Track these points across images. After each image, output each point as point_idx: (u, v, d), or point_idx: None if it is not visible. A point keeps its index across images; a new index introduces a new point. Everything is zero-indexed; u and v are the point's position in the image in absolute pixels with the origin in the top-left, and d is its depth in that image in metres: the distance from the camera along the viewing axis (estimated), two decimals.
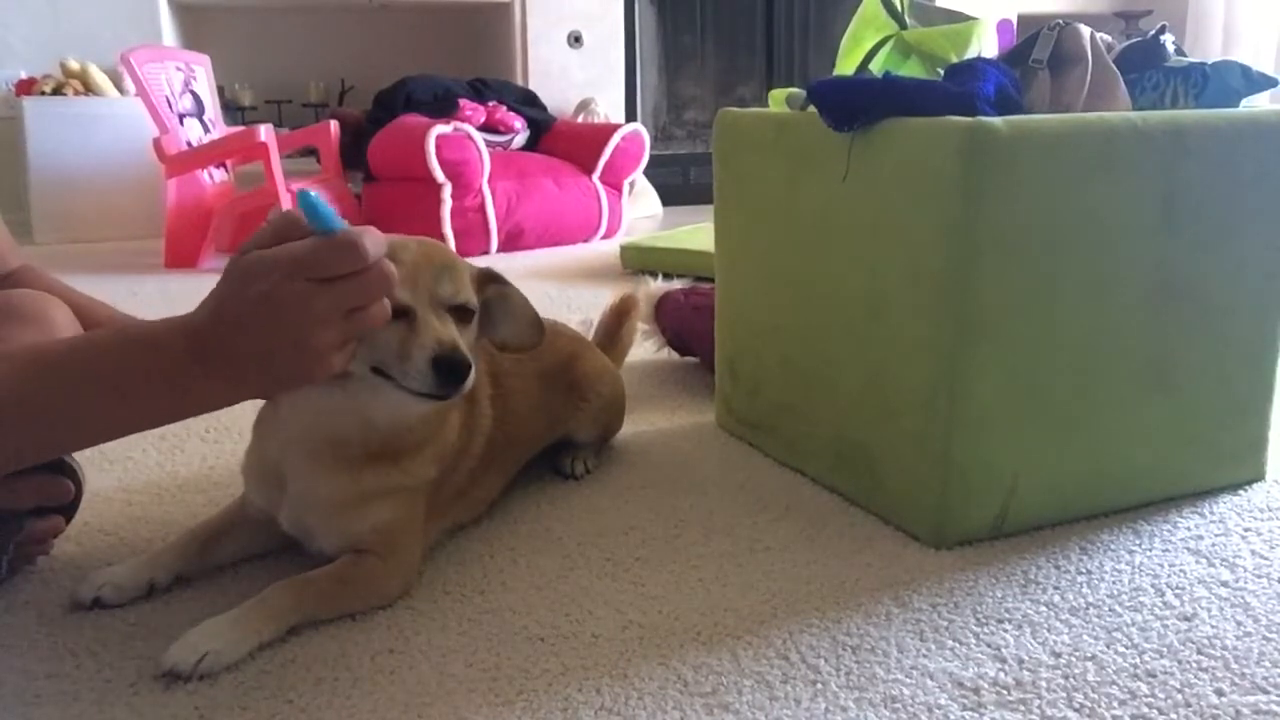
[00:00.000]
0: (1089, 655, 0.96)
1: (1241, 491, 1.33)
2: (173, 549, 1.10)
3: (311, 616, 1.01)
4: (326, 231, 0.84)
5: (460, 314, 0.99)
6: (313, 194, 0.84)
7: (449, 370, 0.94)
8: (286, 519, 1.08)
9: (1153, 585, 1.09)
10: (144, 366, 0.85)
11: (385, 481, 1.05)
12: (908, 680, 0.92)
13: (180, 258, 3.22)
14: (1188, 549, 1.18)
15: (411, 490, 1.08)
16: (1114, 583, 1.10)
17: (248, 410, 1.71)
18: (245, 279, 0.82)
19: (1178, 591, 1.08)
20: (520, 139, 3.92)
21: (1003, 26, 1.43)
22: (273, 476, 1.09)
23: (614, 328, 1.73)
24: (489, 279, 1.07)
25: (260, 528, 1.13)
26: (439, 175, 3.30)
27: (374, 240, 0.85)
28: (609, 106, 4.52)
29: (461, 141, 3.35)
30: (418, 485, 1.09)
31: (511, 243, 3.51)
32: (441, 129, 3.32)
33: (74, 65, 3.73)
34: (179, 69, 3.48)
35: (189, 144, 3.37)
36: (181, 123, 3.39)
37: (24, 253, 1.19)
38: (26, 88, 3.69)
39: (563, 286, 2.80)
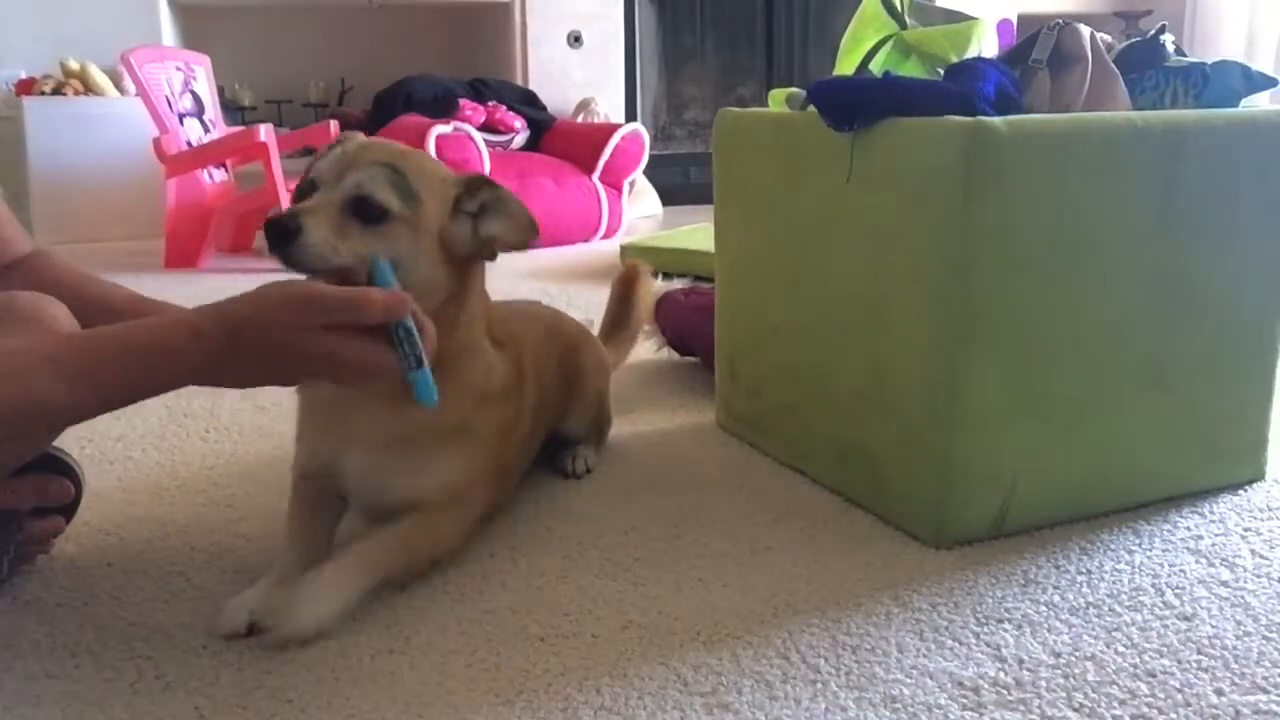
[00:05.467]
0: (1089, 655, 0.96)
1: (1241, 491, 1.33)
2: (298, 564, 1.07)
3: (384, 578, 1.04)
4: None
5: (359, 208, 0.99)
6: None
7: (271, 230, 0.96)
8: (354, 473, 1.10)
9: (1153, 585, 1.09)
10: (158, 368, 0.91)
11: (432, 420, 1.07)
12: (908, 680, 0.92)
13: (180, 258, 3.22)
14: (1188, 549, 1.18)
15: (474, 444, 1.12)
16: (1114, 583, 1.10)
17: (247, 410, 1.71)
18: (277, 337, 0.91)
19: (1178, 591, 1.08)
20: (520, 139, 3.92)
21: (1003, 26, 1.42)
22: (328, 423, 1.11)
23: (621, 310, 1.73)
24: (479, 185, 1.07)
25: (326, 499, 1.14)
26: None
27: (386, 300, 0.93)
28: (609, 106, 4.52)
29: (461, 141, 3.35)
30: (473, 433, 1.12)
31: None
32: (441, 129, 3.32)
33: (74, 65, 3.73)
34: (179, 69, 3.48)
35: (189, 144, 3.37)
36: (181, 123, 3.39)
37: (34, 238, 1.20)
38: (26, 88, 3.69)
39: (563, 286, 2.80)
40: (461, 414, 1.10)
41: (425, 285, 1.03)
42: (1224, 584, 1.09)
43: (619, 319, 1.74)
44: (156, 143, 3.24)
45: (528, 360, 1.25)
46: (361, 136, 1.07)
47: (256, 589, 1.03)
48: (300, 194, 1.04)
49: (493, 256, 1.10)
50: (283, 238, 0.96)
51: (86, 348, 0.91)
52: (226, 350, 0.90)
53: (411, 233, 1.01)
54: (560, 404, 1.39)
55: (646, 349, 1.95)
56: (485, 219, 1.07)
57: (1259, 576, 1.11)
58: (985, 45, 1.36)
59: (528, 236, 1.09)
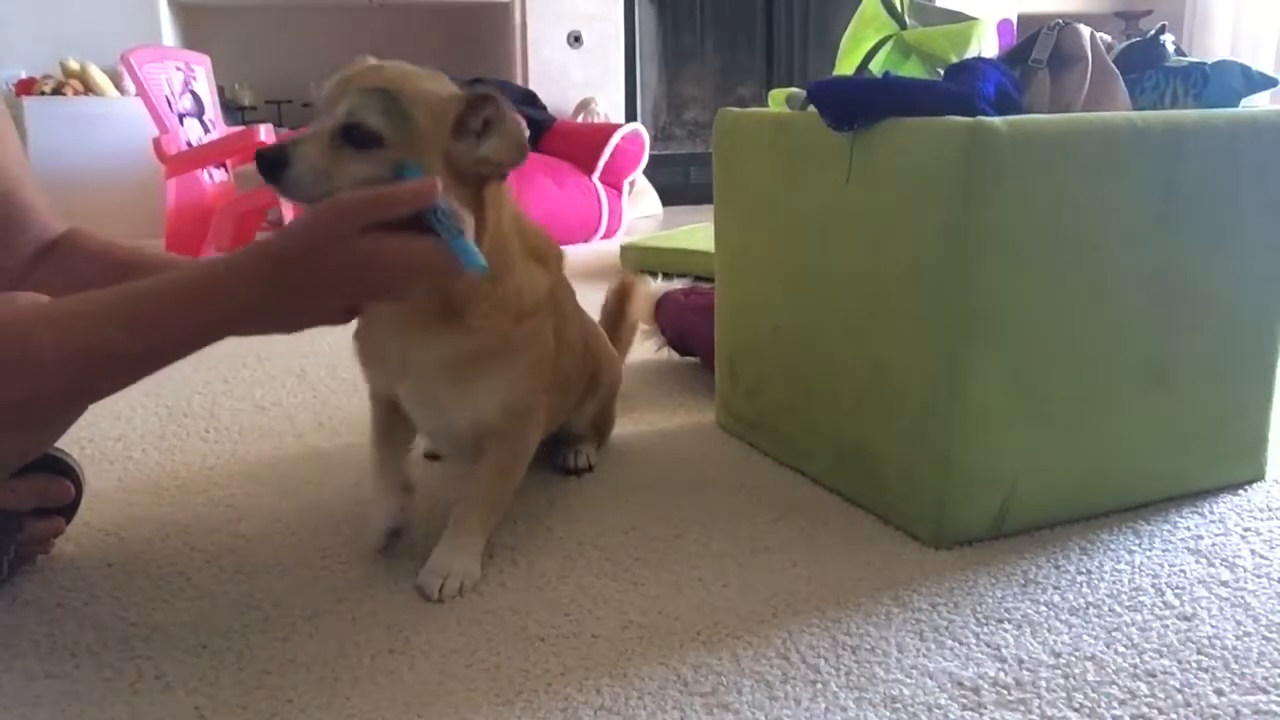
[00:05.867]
0: (1089, 655, 0.96)
1: (1241, 491, 1.33)
2: (388, 484, 1.17)
3: (495, 517, 1.17)
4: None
5: (351, 134, 0.98)
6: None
7: (261, 161, 0.96)
8: (411, 397, 1.13)
9: (1153, 585, 1.09)
10: (211, 306, 0.91)
11: (474, 343, 1.09)
12: (908, 680, 0.92)
13: None
14: (1188, 549, 1.18)
15: (521, 362, 1.14)
16: (1114, 583, 1.10)
17: (247, 411, 1.71)
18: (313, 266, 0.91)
19: (1178, 591, 1.08)
20: None
21: (1003, 26, 1.42)
22: (382, 356, 1.13)
23: (618, 315, 1.73)
24: (482, 103, 1.03)
25: (403, 417, 1.19)
26: None
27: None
28: (609, 106, 4.52)
29: None
30: (518, 350, 1.13)
31: None
32: None
33: (74, 65, 3.73)
34: (179, 69, 3.48)
35: (189, 144, 3.37)
36: (181, 123, 3.39)
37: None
38: (26, 88, 3.69)
39: None
40: (503, 333, 1.11)
41: None
42: (1224, 584, 1.09)
43: (610, 331, 1.73)
44: (156, 143, 3.25)
45: (547, 322, 1.23)
46: (371, 60, 1.06)
47: (375, 512, 1.16)
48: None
49: (503, 177, 1.07)
50: (272, 168, 0.96)
51: (144, 293, 0.90)
52: (277, 280, 0.90)
53: (408, 155, 0.99)
54: (579, 392, 1.38)
55: (646, 349, 1.95)
56: (483, 137, 1.04)
57: (1259, 576, 1.11)
58: (985, 45, 1.36)
59: (516, 157, 1.05)
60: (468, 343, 1.09)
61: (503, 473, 1.17)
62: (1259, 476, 1.37)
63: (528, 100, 4.19)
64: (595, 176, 3.75)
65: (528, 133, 1.05)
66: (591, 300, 1.76)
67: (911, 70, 1.40)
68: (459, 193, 1.02)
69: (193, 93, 3.54)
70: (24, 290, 0.97)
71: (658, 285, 1.94)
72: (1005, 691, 0.90)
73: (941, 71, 1.34)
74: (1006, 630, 1.00)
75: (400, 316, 1.08)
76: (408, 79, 1.02)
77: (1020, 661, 0.95)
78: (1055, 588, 1.09)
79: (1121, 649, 0.97)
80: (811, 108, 1.30)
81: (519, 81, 4.41)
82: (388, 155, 0.98)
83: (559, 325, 1.22)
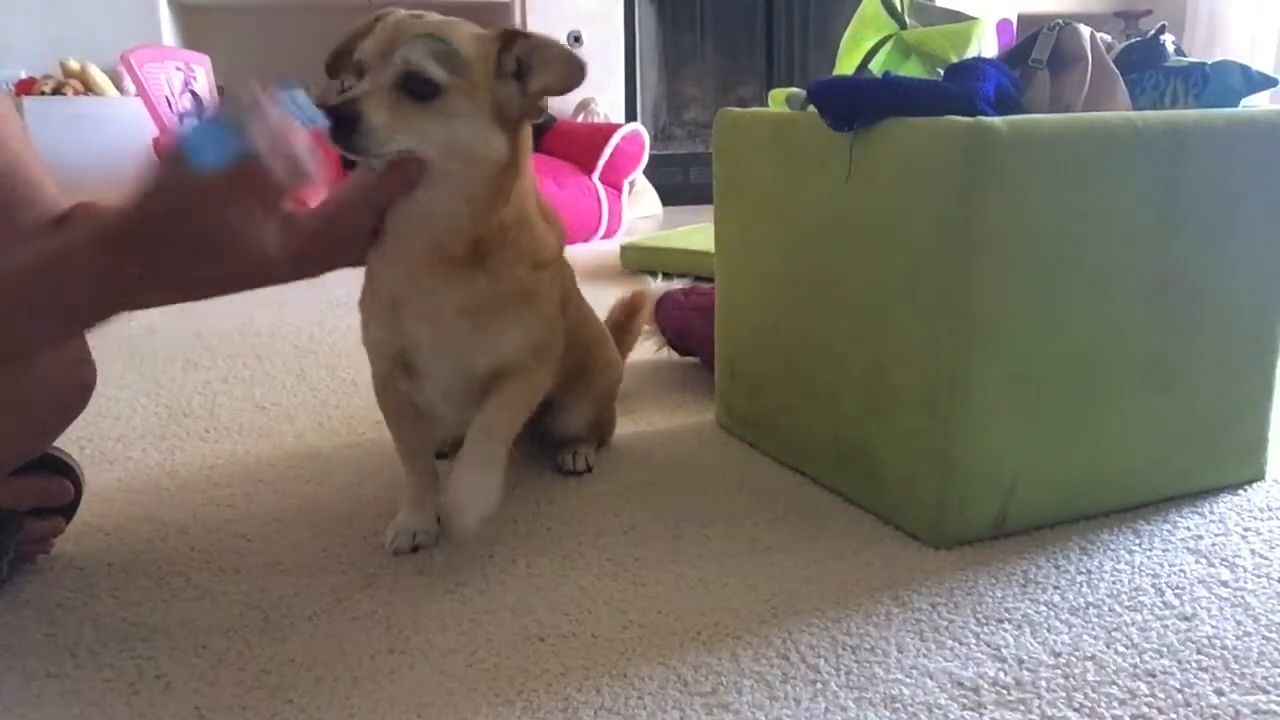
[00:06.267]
0: (1089, 655, 0.96)
1: (1241, 491, 1.33)
2: (421, 484, 1.20)
3: (508, 443, 1.13)
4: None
5: (411, 85, 0.98)
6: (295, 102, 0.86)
7: (334, 120, 0.95)
8: (430, 350, 1.11)
9: (1153, 585, 1.09)
10: (55, 272, 0.85)
11: (495, 287, 1.09)
12: (908, 680, 0.92)
13: None
14: (1188, 549, 1.18)
15: (536, 307, 1.14)
16: (1114, 583, 1.10)
17: (247, 411, 1.71)
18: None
19: (1178, 591, 1.08)
20: None
21: (1003, 26, 1.43)
22: (397, 308, 1.11)
23: (624, 325, 1.73)
24: (512, 39, 1.05)
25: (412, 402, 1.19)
26: None
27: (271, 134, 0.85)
28: (609, 106, 4.52)
29: None
30: (534, 296, 1.13)
31: None
32: None
33: (74, 65, 3.73)
34: (179, 69, 3.49)
35: None
36: (181, 123, 3.39)
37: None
38: (26, 88, 3.69)
39: None
40: (519, 280, 1.11)
41: (488, 153, 1.03)
42: (1224, 584, 1.09)
43: (620, 331, 1.73)
44: (156, 143, 3.24)
45: (554, 287, 1.23)
46: (400, 12, 1.05)
47: (407, 514, 1.18)
48: (329, 69, 1.04)
49: (539, 115, 1.08)
50: (345, 127, 0.95)
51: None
52: (137, 217, 0.85)
53: (468, 101, 1.00)
54: (571, 377, 1.37)
55: (646, 349, 1.95)
56: (530, 75, 1.05)
57: (1259, 576, 1.11)
58: (985, 45, 1.36)
59: (576, 77, 1.06)
60: (489, 288, 1.09)
61: (517, 399, 1.15)
62: (1259, 476, 1.37)
63: None
64: (595, 176, 3.75)
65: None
66: (590, 301, 1.76)
67: (911, 70, 1.40)
68: (504, 135, 1.04)
69: (193, 93, 3.54)
70: None
71: (658, 285, 1.95)
72: (1005, 691, 0.90)
73: (941, 71, 1.34)
74: (1006, 630, 1.00)
75: (420, 266, 1.08)
76: (451, 26, 1.03)
77: (1020, 661, 0.95)
78: (1055, 588, 1.09)
79: (1121, 649, 0.97)
80: (811, 108, 1.30)
81: None
82: (447, 103, 0.99)
83: (562, 296, 1.23)
